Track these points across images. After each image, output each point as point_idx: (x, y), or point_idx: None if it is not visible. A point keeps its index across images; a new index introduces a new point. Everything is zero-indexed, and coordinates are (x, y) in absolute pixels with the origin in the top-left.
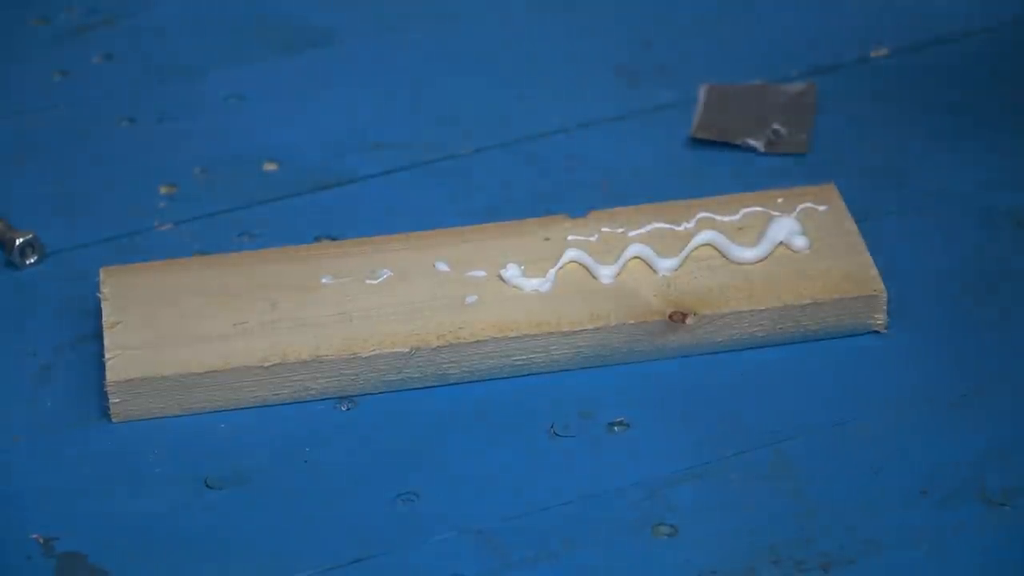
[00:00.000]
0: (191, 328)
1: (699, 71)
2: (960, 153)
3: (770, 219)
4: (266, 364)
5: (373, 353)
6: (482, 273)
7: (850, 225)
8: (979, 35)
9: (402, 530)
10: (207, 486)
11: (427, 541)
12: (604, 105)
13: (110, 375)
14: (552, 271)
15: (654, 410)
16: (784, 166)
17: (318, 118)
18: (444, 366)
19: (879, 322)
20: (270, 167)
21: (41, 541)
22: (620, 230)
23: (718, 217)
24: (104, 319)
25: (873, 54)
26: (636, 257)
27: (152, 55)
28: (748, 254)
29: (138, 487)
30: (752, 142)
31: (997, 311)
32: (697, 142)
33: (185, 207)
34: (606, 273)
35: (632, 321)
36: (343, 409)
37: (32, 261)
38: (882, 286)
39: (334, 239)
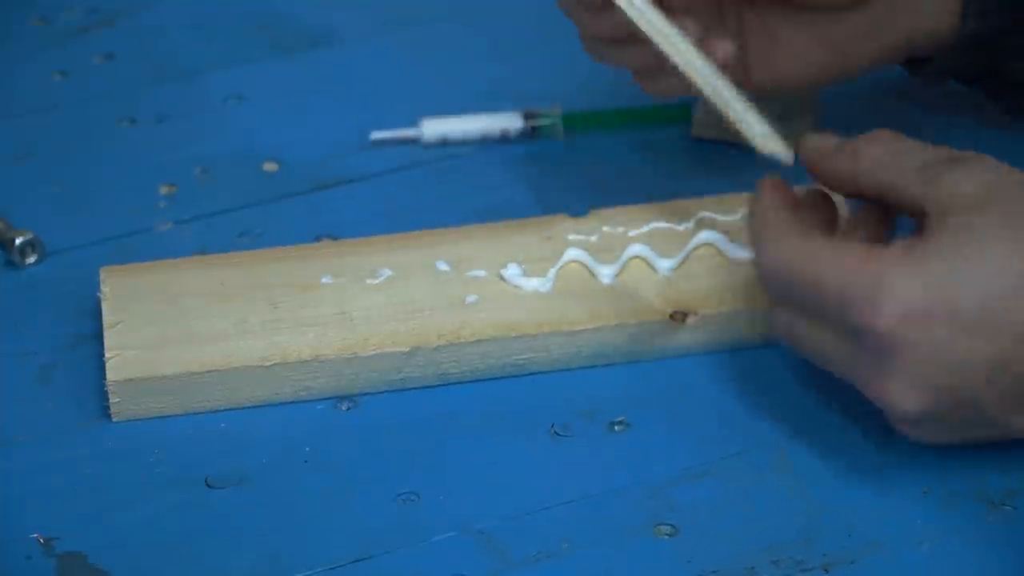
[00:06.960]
0: (191, 328)
1: None
2: None
3: None
4: (266, 364)
5: (373, 353)
6: (482, 273)
7: None
8: None
9: (402, 530)
10: (208, 486)
11: (427, 541)
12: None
13: (110, 375)
14: (553, 271)
15: (654, 410)
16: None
17: (318, 118)
18: (444, 366)
19: None
20: (270, 167)
21: (41, 541)
22: (620, 230)
23: (718, 217)
24: (104, 319)
25: None
26: (636, 257)
27: (152, 55)
28: (748, 254)
29: (138, 487)
30: None
31: None
32: (697, 142)
33: (185, 207)
34: (606, 273)
35: (632, 321)
36: (343, 409)
37: (32, 261)
38: None
39: (334, 239)
